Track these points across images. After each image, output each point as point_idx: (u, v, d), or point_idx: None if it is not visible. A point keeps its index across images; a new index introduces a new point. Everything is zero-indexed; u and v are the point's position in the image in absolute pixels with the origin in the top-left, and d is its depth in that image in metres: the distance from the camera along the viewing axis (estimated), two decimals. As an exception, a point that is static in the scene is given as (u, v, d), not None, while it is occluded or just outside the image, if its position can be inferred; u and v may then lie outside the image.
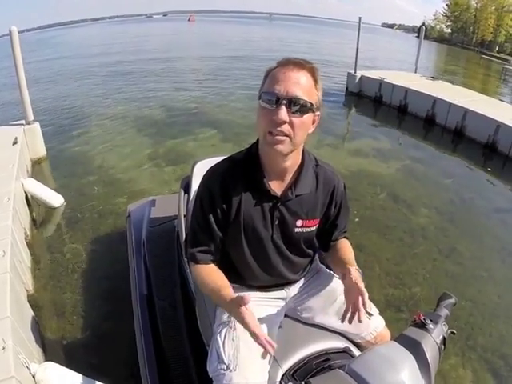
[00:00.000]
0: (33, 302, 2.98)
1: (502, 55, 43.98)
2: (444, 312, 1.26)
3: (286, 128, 1.23)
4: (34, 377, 2.10)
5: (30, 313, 2.77)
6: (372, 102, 10.27)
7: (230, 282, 1.62)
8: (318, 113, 1.29)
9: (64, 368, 2.25)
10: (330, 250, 1.65)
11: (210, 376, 1.43)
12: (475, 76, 20.35)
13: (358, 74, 10.69)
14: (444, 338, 1.20)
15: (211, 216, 1.38)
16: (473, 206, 5.28)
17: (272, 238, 1.47)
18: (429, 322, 1.19)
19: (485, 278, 3.66)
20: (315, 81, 1.26)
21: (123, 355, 2.63)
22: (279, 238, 1.49)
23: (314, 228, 1.52)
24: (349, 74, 10.95)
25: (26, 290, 3.05)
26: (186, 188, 2.36)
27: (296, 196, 1.41)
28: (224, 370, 1.34)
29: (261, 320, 1.53)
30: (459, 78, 16.27)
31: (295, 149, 1.32)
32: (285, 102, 1.20)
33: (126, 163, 5.87)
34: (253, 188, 1.39)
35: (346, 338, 1.66)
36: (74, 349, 2.72)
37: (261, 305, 1.61)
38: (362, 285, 1.30)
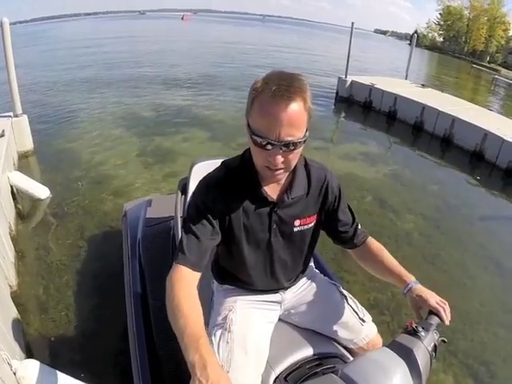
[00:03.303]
0: (16, 298, 2.95)
1: (492, 65, 44.56)
2: (435, 320, 1.28)
3: (282, 165, 1.24)
4: (15, 374, 2.08)
5: (13, 309, 2.74)
6: (362, 107, 10.34)
7: (226, 283, 1.65)
8: (309, 123, 1.26)
9: (46, 366, 2.22)
10: (366, 254, 1.64)
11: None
12: (465, 85, 20.58)
13: (349, 78, 10.74)
14: (435, 346, 1.21)
15: (205, 221, 1.35)
16: (458, 213, 5.34)
17: (269, 241, 1.48)
18: (420, 329, 1.20)
19: (468, 285, 3.70)
20: (305, 104, 1.20)
21: (109, 354, 2.64)
22: (277, 242, 1.50)
23: (313, 224, 1.53)
24: (339, 78, 11.00)
25: (10, 286, 3.01)
26: (184, 189, 2.35)
27: (292, 199, 1.42)
28: None
29: (255, 323, 1.55)
30: (449, 86, 16.40)
31: (291, 169, 1.34)
32: (278, 146, 1.18)
33: (114, 160, 5.84)
34: (250, 195, 1.39)
35: (339, 343, 1.68)
36: (57, 346, 2.70)
37: (255, 307, 1.61)
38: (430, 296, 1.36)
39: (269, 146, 1.19)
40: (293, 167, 1.32)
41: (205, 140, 6.96)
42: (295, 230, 1.49)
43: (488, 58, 54.88)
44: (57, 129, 6.96)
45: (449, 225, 4.86)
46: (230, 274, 1.60)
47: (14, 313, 2.70)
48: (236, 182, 1.38)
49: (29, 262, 3.52)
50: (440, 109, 8.21)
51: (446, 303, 1.35)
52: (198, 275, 1.30)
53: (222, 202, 1.36)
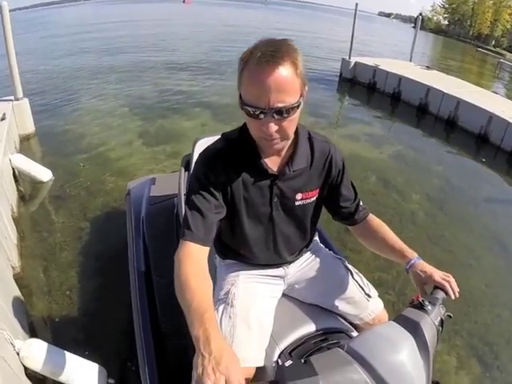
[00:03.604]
0: (19, 280, 2.95)
1: (498, 49, 44.08)
2: (441, 295, 1.26)
3: (277, 134, 1.21)
4: (18, 354, 2.08)
5: (16, 290, 2.73)
6: (365, 88, 10.25)
7: (228, 258, 1.63)
8: (304, 90, 1.22)
9: (49, 345, 2.23)
10: (366, 231, 1.60)
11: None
12: (470, 68, 20.37)
13: (353, 60, 10.63)
14: (442, 320, 1.19)
15: (208, 195, 1.31)
16: (463, 194, 5.32)
17: (271, 216, 1.45)
18: (427, 303, 1.18)
19: (473, 266, 3.69)
20: (295, 69, 1.15)
21: (113, 333, 2.65)
22: (279, 216, 1.46)
23: (315, 198, 1.49)
24: (343, 59, 10.88)
25: (12, 268, 3.01)
26: (187, 166, 2.34)
27: (293, 171, 1.38)
28: None
29: (257, 297, 1.53)
30: (454, 70, 16.25)
31: (290, 140, 1.31)
32: (270, 114, 1.15)
33: (116, 141, 5.81)
34: (250, 167, 1.36)
35: (345, 318, 1.66)
36: (61, 327, 2.70)
37: (258, 282, 1.59)
38: (437, 275, 1.32)
39: (261, 115, 1.16)
40: (291, 136, 1.29)
41: (207, 120, 6.93)
42: (297, 203, 1.45)
43: (493, 42, 54.33)
44: (58, 112, 6.91)
45: (453, 206, 4.83)
46: (232, 248, 1.58)
47: (16, 294, 2.69)
48: (235, 154, 1.35)
49: (31, 243, 3.51)
50: (445, 91, 8.12)
51: (451, 276, 1.32)
52: (206, 250, 1.27)
53: (222, 173, 1.33)
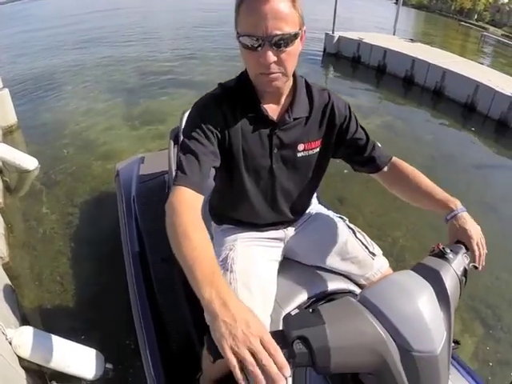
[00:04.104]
0: (8, 270, 2.88)
1: (480, 23, 43.99)
2: (465, 248, 1.19)
3: (275, 67, 1.14)
4: (10, 343, 2.02)
5: (6, 280, 2.67)
6: (350, 62, 10.15)
7: (225, 223, 1.55)
8: (303, 29, 1.17)
9: (43, 332, 2.17)
10: (396, 177, 1.49)
11: (208, 323, 1.37)
12: (454, 42, 20.33)
13: (336, 34, 10.51)
14: (465, 270, 1.10)
15: (205, 138, 1.22)
16: (453, 161, 5.29)
17: (271, 169, 1.37)
18: (449, 251, 1.10)
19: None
20: (294, 1, 1.10)
21: (109, 317, 2.59)
22: (280, 169, 1.38)
23: (318, 149, 1.41)
24: (326, 34, 10.74)
25: (1, 258, 2.94)
26: (176, 139, 2.28)
27: (294, 119, 1.31)
28: None
29: (257, 260, 1.46)
30: (438, 43, 16.19)
31: (289, 78, 1.24)
32: (268, 43, 1.08)
33: (101, 126, 5.70)
34: (248, 114, 1.28)
35: (350, 279, 1.60)
36: (54, 315, 2.66)
37: (257, 245, 1.52)
38: (473, 230, 1.23)
39: (258, 47, 1.09)
40: (290, 73, 1.21)
41: (192, 100, 6.69)
42: (299, 155, 1.37)
43: (476, 17, 54.17)
44: (40, 101, 6.75)
45: (445, 173, 4.74)
46: (230, 210, 1.50)
47: (6, 285, 2.62)
48: (233, 100, 1.28)
49: (19, 233, 3.44)
50: (430, 61, 8.07)
51: (485, 247, 1.23)
52: (201, 199, 1.16)
53: (220, 119, 1.25)
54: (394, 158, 1.52)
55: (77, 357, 2.15)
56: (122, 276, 2.37)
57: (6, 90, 5.45)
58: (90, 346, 2.24)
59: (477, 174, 5.02)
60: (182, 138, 1.27)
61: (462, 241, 1.23)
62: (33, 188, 4.14)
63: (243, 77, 1.29)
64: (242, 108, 1.28)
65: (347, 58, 10.27)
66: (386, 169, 1.51)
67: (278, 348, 0.75)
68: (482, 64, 10.51)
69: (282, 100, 1.31)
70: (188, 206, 1.08)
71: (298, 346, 0.78)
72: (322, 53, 10.89)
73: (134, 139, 5.25)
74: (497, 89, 6.63)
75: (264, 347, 0.74)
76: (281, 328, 0.83)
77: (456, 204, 1.30)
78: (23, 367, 2.07)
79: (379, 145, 1.52)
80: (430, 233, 3.51)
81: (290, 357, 0.78)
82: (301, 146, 1.37)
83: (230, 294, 0.83)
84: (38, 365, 2.14)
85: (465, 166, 5.19)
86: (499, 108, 6.57)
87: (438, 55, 9.06)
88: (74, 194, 3.94)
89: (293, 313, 0.85)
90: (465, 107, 7.23)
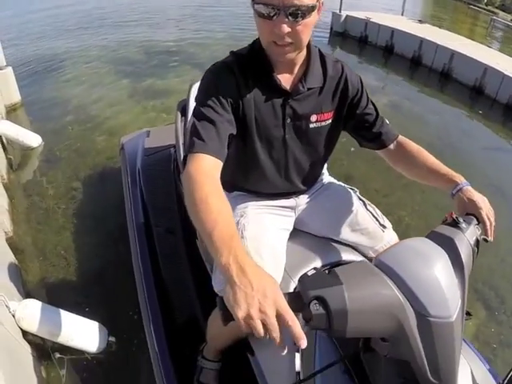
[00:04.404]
0: (12, 245, 2.87)
1: (490, 8, 43.21)
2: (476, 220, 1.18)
3: (289, 38, 1.11)
4: (14, 316, 2.02)
5: (10, 255, 2.67)
6: (357, 42, 9.95)
7: (236, 190, 1.54)
8: (321, 0, 1.14)
9: (46, 305, 2.17)
10: (402, 155, 1.50)
11: (216, 291, 1.37)
12: (463, 25, 20.03)
13: (343, 13, 10.31)
14: (477, 241, 1.10)
15: (220, 107, 1.19)
16: (460, 143, 5.23)
17: (284, 139, 1.36)
18: (462, 220, 1.09)
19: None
20: None
21: (113, 290, 2.61)
22: (292, 139, 1.38)
23: (330, 121, 1.40)
24: (334, 13, 10.51)
25: (5, 233, 2.93)
26: (183, 110, 2.25)
27: (308, 89, 1.29)
28: None
29: (268, 228, 1.45)
30: (447, 25, 15.96)
31: (302, 49, 1.21)
32: (283, 13, 1.05)
33: (105, 102, 5.64)
34: (262, 83, 1.27)
35: (359, 251, 1.60)
36: (58, 289, 2.66)
37: (268, 213, 1.51)
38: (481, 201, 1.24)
39: (274, 16, 1.07)
40: (303, 45, 1.19)
41: (198, 76, 6.63)
42: (311, 126, 1.36)
43: (485, 1, 53.30)
44: (44, 80, 6.65)
45: (451, 154, 4.70)
46: (241, 178, 1.49)
47: (10, 259, 2.63)
48: (246, 69, 1.25)
49: (23, 208, 3.43)
50: (439, 42, 7.92)
51: (494, 216, 1.23)
52: (220, 166, 1.14)
53: (233, 88, 1.23)
54: (401, 136, 1.53)
55: (80, 330, 2.16)
56: (125, 250, 2.38)
57: (10, 68, 5.36)
58: (94, 320, 2.25)
59: (484, 156, 4.95)
60: (195, 105, 1.24)
61: (471, 213, 1.22)
62: (37, 164, 4.13)
63: (256, 45, 1.27)
64: (255, 77, 1.26)
65: (354, 38, 10.07)
66: (392, 146, 1.52)
67: (295, 319, 0.73)
68: (490, 48, 10.37)
69: (296, 70, 1.29)
70: (208, 174, 1.06)
71: (315, 307, 0.76)
72: (328, 32, 10.70)
73: (139, 115, 5.20)
74: (505, 72, 6.51)
75: (281, 317, 0.73)
76: None
77: (460, 178, 1.32)
78: (26, 340, 2.08)
79: (387, 122, 1.53)
80: (435, 213, 3.49)
81: (306, 319, 0.76)
82: (314, 117, 1.35)
83: (248, 259, 0.81)
84: (41, 338, 2.15)
85: (472, 149, 5.12)
86: (507, 92, 6.45)
87: (447, 37, 8.90)
88: (78, 170, 3.92)
89: (309, 273, 0.82)
90: (472, 90, 7.10)
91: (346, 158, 4.13)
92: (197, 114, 1.20)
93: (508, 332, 2.61)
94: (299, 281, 0.82)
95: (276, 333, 0.72)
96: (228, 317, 0.76)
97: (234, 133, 1.24)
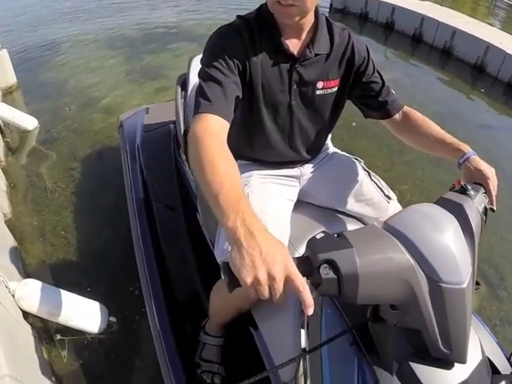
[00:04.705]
0: (11, 227, 2.87)
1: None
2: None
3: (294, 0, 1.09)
4: (13, 296, 2.01)
5: (9, 236, 2.67)
6: (357, 18, 9.79)
7: (240, 158, 1.48)
8: None
9: (46, 284, 2.16)
10: (407, 125, 1.50)
11: (218, 261, 1.37)
12: (464, 4, 19.72)
13: (344, -11, 10.13)
14: (486, 209, 1.09)
15: (227, 69, 1.17)
16: (461, 120, 5.18)
17: (290, 105, 1.35)
18: (470, 188, 1.07)
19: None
20: None
21: (113, 269, 2.61)
22: (298, 106, 1.36)
23: (335, 88, 1.39)
24: (333, -11, 10.36)
25: (4, 215, 2.92)
26: (184, 84, 2.22)
27: (315, 55, 1.28)
28: None
29: (273, 196, 1.44)
30: (448, 3, 15.75)
31: (307, 14, 1.19)
32: None
33: (102, 82, 5.58)
34: (269, 48, 1.25)
35: (363, 222, 1.59)
36: (58, 268, 2.66)
37: (273, 183, 1.51)
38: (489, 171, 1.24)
39: None
40: (309, 8, 1.16)
41: (197, 53, 6.57)
42: (317, 93, 1.36)
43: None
44: (40, 62, 6.55)
45: (453, 130, 4.56)
46: (246, 146, 1.47)
47: (10, 240, 2.63)
48: (254, 32, 1.23)
49: (22, 190, 3.41)
50: (440, 20, 7.81)
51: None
52: (227, 127, 1.11)
53: (240, 51, 1.21)
54: (406, 107, 1.53)
55: (80, 310, 2.15)
56: (125, 228, 2.36)
57: (5, 51, 5.26)
58: (94, 299, 2.24)
59: (485, 133, 4.92)
60: (201, 66, 1.22)
61: (478, 183, 1.22)
62: (34, 146, 4.09)
63: (263, 9, 1.25)
64: (263, 41, 1.24)
65: (354, 15, 9.89)
66: (397, 116, 1.51)
67: (305, 284, 0.71)
68: (492, 27, 10.25)
69: (304, 35, 1.28)
70: (215, 135, 1.03)
71: (325, 271, 0.73)
72: (328, 9, 10.50)
73: (137, 93, 5.15)
74: (508, 51, 6.42)
75: (290, 283, 0.70)
76: None
77: (467, 148, 1.33)
78: (27, 321, 2.08)
79: (393, 92, 1.51)
80: (436, 188, 3.49)
81: (315, 285, 0.74)
82: (320, 84, 1.35)
83: (256, 222, 0.78)
84: (41, 319, 2.15)
85: (473, 125, 5.08)
86: (510, 70, 6.39)
87: (448, 15, 8.74)
88: (76, 150, 3.89)
89: (318, 237, 0.79)
90: (474, 68, 7.03)
91: (346, 133, 4.10)
92: (203, 75, 1.18)
93: (508, 308, 2.62)
94: (308, 244, 0.79)
95: (282, 298, 0.71)
96: (234, 283, 0.73)
97: (241, 96, 1.22)
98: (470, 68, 7.07)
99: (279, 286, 0.70)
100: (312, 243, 0.78)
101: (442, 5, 10.79)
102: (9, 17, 9.37)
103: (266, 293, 0.70)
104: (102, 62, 6.43)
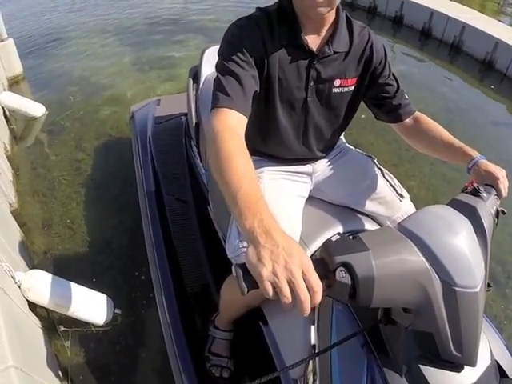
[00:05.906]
0: (17, 217, 2.87)
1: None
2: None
3: None
4: (19, 287, 2.01)
5: (15, 227, 2.66)
6: (366, 12, 9.69)
7: (252, 154, 1.50)
8: None
9: (52, 275, 2.16)
10: (416, 129, 1.48)
11: (230, 257, 1.36)
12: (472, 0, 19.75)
13: (352, -17, 10.07)
14: (497, 211, 1.09)
15: (245, 62, 1.16)
16: (470, 116, 5.15)
17: (306, 101, 1.33)
18: (482, 190, 1.07)
19: (486, 187, 3.60)
20: None
21: (120, 261, 2.60)
22: (313, 103, 1.34)
23: (352, 87, 1.38)
24: (342, -18, 10.30)
25: (10, 204, 2.92)
26: (195, 77, 2.21)
27: (334, 53, 1.26)
28: (245, 247, 1.22)
29: (285, 192, 1.43)
30: (456, 0, 15.71)
31: (334, 7, 1.17)
32: None
33: (108, 72, 5.56)
34: (288, 42, 1.22)
35: (376, 221, 1.58)
36: (64, 259, 2.65)
37: (285, 179, 1.49)
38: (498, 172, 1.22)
39: None
40: (335, 3, 1.14)
41: (203, 44, 6.54)
42: (334, 91, 1.34)
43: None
44: (46, 51, 6.54)
45: (461, 126, 4.63)
46: (259, 141, 1.46)
47: (16, 230, 2.62)
48: (273, 25, 1.21)
49: (28, 180, 3.40)
50: (450, 14, 7.74)
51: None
52: (245, 123, 1.11)
53: (259, 44, 1.19)
54: (417, 112, 1.51)
55: (86, 301, 2.15)
56: (132, 219, 2.35)
57: (11, 40, 5.24)
58: (100, 291, 2.24)
59: (494, 130, 4.88)
60: (218, 59, 1.21)
61: (489, 184, 1.21)
62: (40, 135, 4.08)
63: (284, 3, 1.22)
64: (282, 36, 1.21)
65: (363, 8, 9.80)
66: (408, 120, 1.49)
67: (320, 284, 0.70)
68: (502, 23, 10.17)
69: (323, 32, 1.26)
70: (232, 129, 1.03)
71: (341, 274, 0.72)
72: (336, 2, 10.51)
73: (144, 84, 5.13)
74: (517, 48, 6.34)
75: (306, 282, 0.69)
76: None
77: (475, 153, 1.31)
78: (33, 312, 2.08)
79: (407, 96, 1.49)
80: (443, 185, 3.48)
81: (331, 287, 0.73)
82: (337, 82, 1.33)
83: (273, 223, 0.77)
84: (46, 309, 2.15)
85: (482, 122, 5.02)
86: (519, 67, 6.30)
87: (458, 9, 8.66)
88: (82, 140, 3.88)
89: (333, 239, 0.79)
90: (483, 64, 6.97)
91: (354, 127, 4.05)
92: (221, 68, 1.16)
93: (516, 307, 2.59)
94: (323, 246, 0.78)
95: (305, 295, 0.68)
96: (249, 283, 0.72)
97: (258, 90, 1.20)
98: (479, 64, 7.00)
99: (298, 280, 0.68)
100: (328, 245, 0.77)
101: (451, 0, 10.72)
102: (14, 5, 9.35)
103: (284, 289, 0.68)
104: (109, 52, 6.41)
